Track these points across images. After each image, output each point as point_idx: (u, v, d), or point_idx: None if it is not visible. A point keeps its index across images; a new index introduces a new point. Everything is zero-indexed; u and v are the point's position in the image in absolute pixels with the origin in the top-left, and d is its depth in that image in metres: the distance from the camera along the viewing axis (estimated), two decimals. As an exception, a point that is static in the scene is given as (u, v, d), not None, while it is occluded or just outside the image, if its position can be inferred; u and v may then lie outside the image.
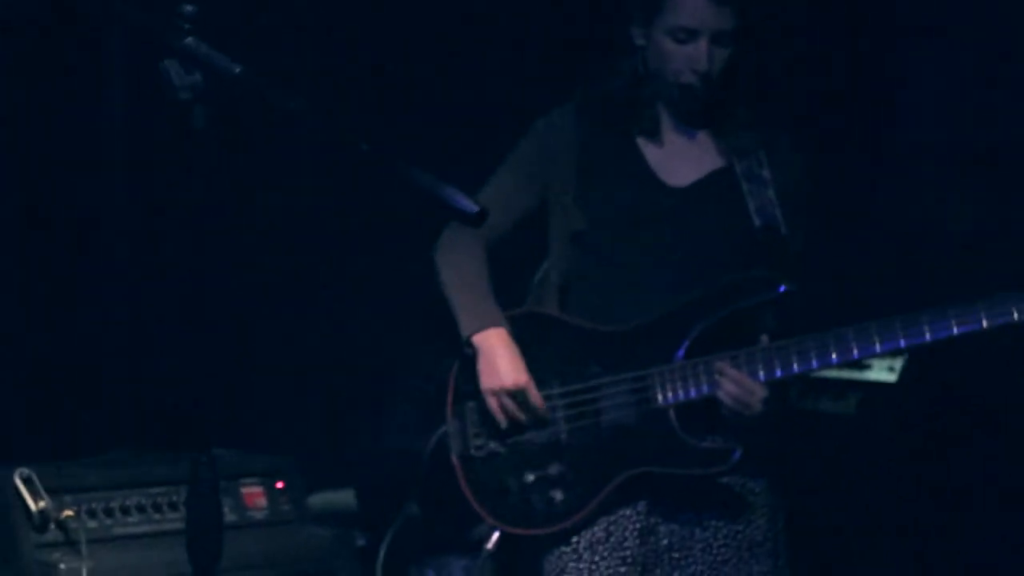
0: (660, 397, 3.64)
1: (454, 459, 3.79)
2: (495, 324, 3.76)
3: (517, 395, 3.71)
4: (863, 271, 4.83)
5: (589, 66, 3.86)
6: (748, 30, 3.68)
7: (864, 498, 4.73)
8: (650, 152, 3.78)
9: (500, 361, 3.73)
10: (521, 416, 3.71)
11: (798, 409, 4.59)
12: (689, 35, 3.66)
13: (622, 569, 3.66)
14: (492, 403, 3.73)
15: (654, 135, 3.79)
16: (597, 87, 3.83)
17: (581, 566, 3.68)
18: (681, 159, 3.77)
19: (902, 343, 3.50)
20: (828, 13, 5.13)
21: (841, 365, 3.61)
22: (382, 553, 3.99)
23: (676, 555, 3.68)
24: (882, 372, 4.69)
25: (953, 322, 3.44)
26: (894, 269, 4.91)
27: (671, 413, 3.63)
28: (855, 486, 4.74)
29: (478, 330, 3.77)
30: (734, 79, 3.73)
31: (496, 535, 3.77)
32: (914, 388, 4.64)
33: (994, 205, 4.92)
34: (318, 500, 4.51)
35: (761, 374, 3.55)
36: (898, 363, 4.68)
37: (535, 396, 3.71)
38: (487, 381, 3.73)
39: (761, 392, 3.54)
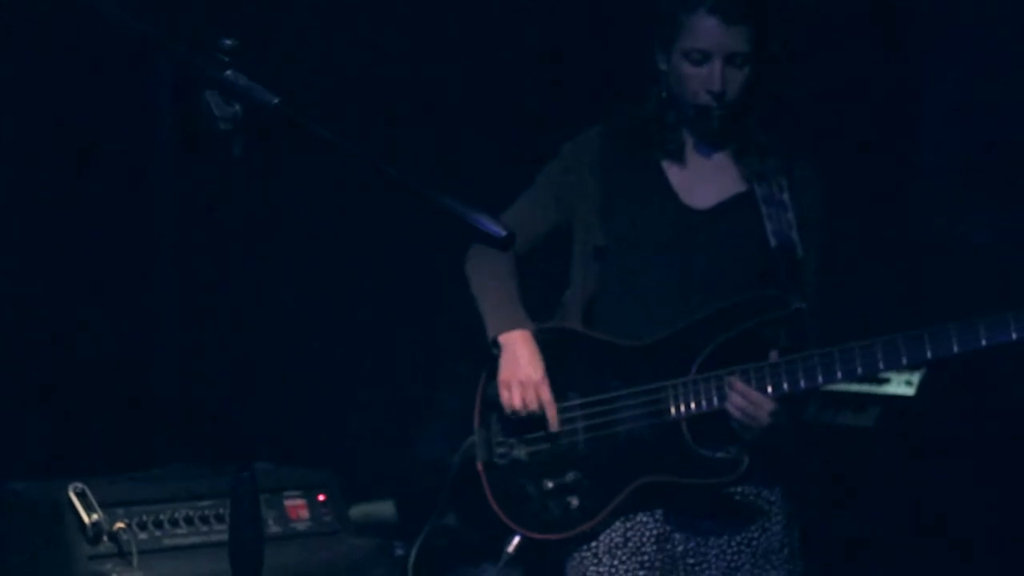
0: (673, 409, 3.65)
1: (479, 466, 3.82)
2: (520, 326, 3.79)
3: (530, 390, 3.72)
4: (882, 283, 4.81)
5: (618, 91, 3.87)
6: (764, 53, 3.68)
7: (883, 509, 4.71)
8: (674, 174, 3.78)
9: (520, 357, 3.75)
10: (533, 408, 3.72)
11: (819, 422, 4.58)
12: (704, 57, 3.67)
13: (640, 573, 3.67)
14: (505, 395, 3.75)
15: (678, 158, 3.79)
16: (624, 111, 3.84)
17: (601, 569, 3.68)
18: (704, 182, 3.78)
19: (904, 360, 3.50)
20: (851, 35, 5.12)
21: (847, 380, 3.61)
22: (412, 558, 3.98)
23: (691, 561, 3.68)
24: (900, 386, 4.68)
25: (953, 340, 3.44)
26: (913, 281, 4.90)
27: (683, 425, 3.64)
28: (874, 497, 4.72)
29: (503, 331, 3.79)
30: (753, 102, 3.73)
31: (516, 539, 3.78)
32: (933, 401, 4.62)
33: (1010, 219, 4.91)
34: (359, 512, 4.51)
35: (769, 388, 3.56)
36: (916, 377, 4.67)
37: (546, 394, 3.72)
38: (504, 373, 3.75)
39: (769, 406, 3.55)
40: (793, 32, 3.84)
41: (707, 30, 3.66)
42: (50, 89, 4.58)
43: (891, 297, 4.79)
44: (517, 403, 3.72)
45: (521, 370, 3.73)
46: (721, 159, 3.80)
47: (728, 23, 3.64)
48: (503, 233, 2.46)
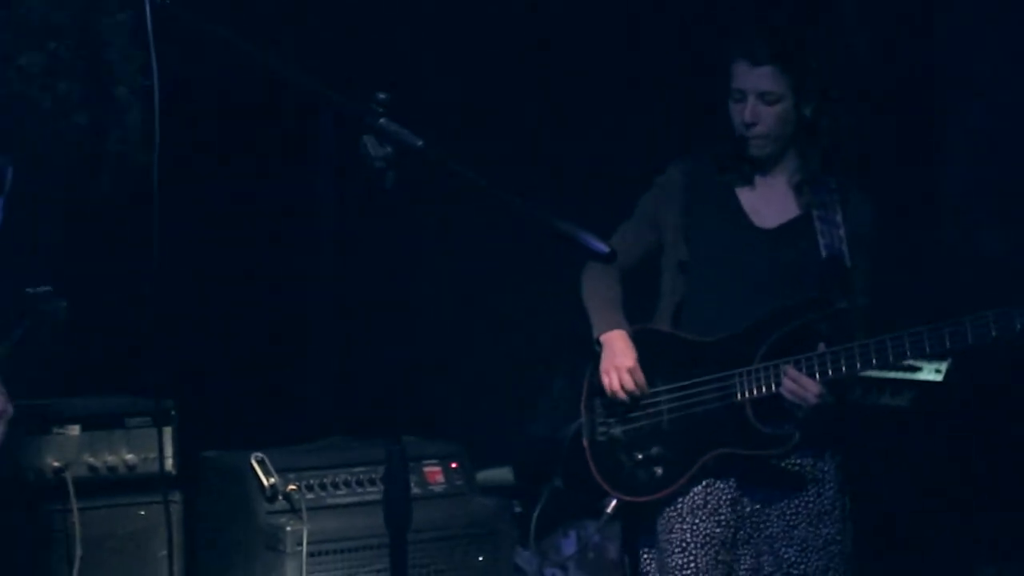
0: (739, 394, 3.63)
1: (584, 442, 3.81)
2: (618, 327, 3.78)
3: (625, 374, 3.71)
4: (909, 286, 4.75)
5: (704, 129, 3.85)
6: (800, 91, 3.64)
7: (918, 475, 4.65)
8: (745, 198, 3.75)
9: (617, 349, 3.74)
10: (630, 389, 3.71)
11: (863, 403, 4.53)
12: (741, 95, 3.65)
13: (717, 530, 3.64)
14: (605, 380, 3.73)
15: (749, 186, 3.77)
16: (704, 147, 3.83)
17: (684, 526, 3.66)
18: (770, 205, 3.75)
19: (928, 350, 3.46)
20: (879, 73, 5.06)
21: (881, 368, 3.58)
22: (535, 517, 3.98)
23: (757, 519, 3.65)
24: (931, 373, 4.62)
25: (968, 333, 3.39)
26: (934, 284, 4.84)
27: (747, 406, 3.62)
28: (910, 466, 4.66)
29: (604, 332, 3.78)
30: (809, 137, 3.70)
31: (614, 502, 3.77)
32: (957, 386, 4.56)
33: (1018, 232, 4.84)
34: (484, 476, 4.51)
35: (817, 375, 3.53)
36: (944, 366, 4.61)
37: (639, 375, 3.71)
38: (605, 362, 3.74)
39: (816, 389, 3.52)
40: (831, 73, 3.77)
41: (741, 72, 3.65)
42: (230, 135, 4.62)
43: (916, 298, 4.72)
44: (616, 385, 3.72)
45: (618, 358, 3.73)
46: (785, 187, 3.76)
47: (755, 64, 3.62)
48: (607, 250, 2.47)
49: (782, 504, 3.65)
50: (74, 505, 3.75)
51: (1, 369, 3.01)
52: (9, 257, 4.12)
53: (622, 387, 3.71)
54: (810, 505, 3.65)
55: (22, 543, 3.64)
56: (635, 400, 3.74)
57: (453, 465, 4.28)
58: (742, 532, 3.65)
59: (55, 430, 3.80)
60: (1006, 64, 4.92)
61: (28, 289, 3.38)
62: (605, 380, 3.73)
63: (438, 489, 4.21)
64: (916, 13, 5.20)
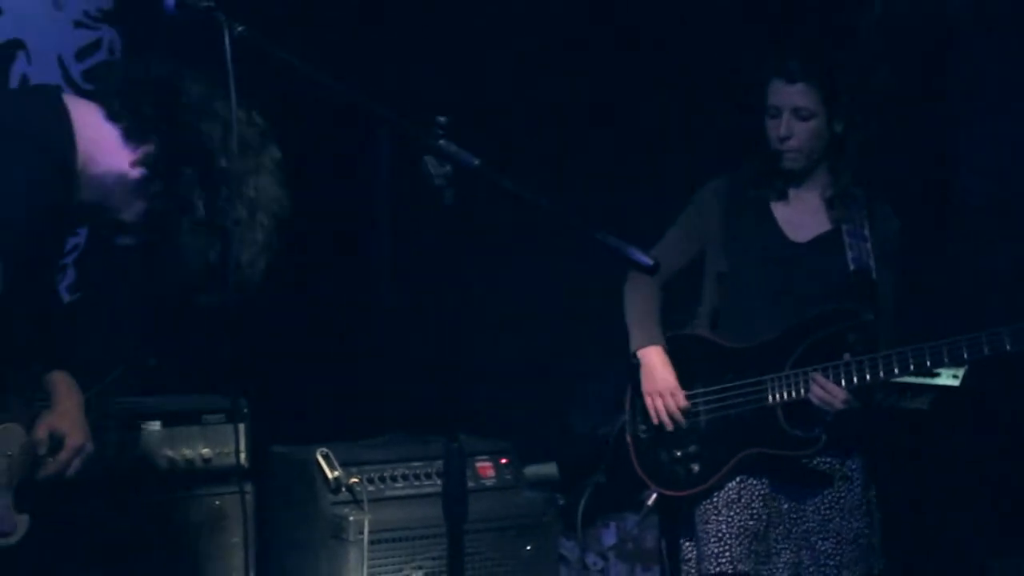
0: (771, 397, 3.62)
1: (628, 439, 3.80)
2: (654, 343, 3.77)
3: (666, 396, 3.71)
4: (927, 301, 4.71)
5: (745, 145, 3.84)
6: (833, 107, 3.62)
7: (937, 472, 4.62)
8: (779, 213, 3.74)
9: (655, 371, 3.74)
10: (671, 410, 3.71)
11: (886, 406, 4.50)
12: (776, 111, 3.65)
13: (750, 522, 3.63)
14: (648, 402, 3.74)
15: (783, 199, 3.75)
16: (742, 164, 3.81)
17: (720, 518, 3.65)
18: (803, 219, 3.73)
19: (946, 360, 3.46)
20: (893, 89, 5.01)
21: (902, 376, 3.56)
22: (581, 509, 3.98)
23: (793, 515, 3.65)
24: (948, 379, 4.58)
25: (984, 345, 3.39)
26: (951, 300, 4.79)
27: (778, 409, 3.60)
28: (930, 463, 4.63)
29: (641, 346, 3.79)
30: (835, 151, 3.68)
31: (654, 495, 3.78)
32: (973, 391, 4.52)
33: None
34: (531, 471, 4.51)
35: (843, 382, 3.51)
36: (960, 372, 4.57)
37: (680, 396, 3.71)
38: (646, 385, 3.76)
39: (842, 395, 3.51)
40: (860, 91, 3.75)
41: (776, 90, 3.65)
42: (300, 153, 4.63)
43: (934, 313, 4.68)
44: (660, 409, 3.72)
45: (658, 383, 3.73)
46: (817, 201, 3.75)
47: (789, 82, 3.62)
48: (651, 263, 2.46)
49: (816, 500, 3.64)
50: (155, 496, 3.78)
51: (89, 410, 3.02)
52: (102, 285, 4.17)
53: (666, 410, 3.71)
54: (842, 500, 3.64)
55: (108, 530, 3.66)
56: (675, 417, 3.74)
57: (503, 461, 4.27)
58: (781, 528, 3.64)
59: (139, 426, 3.82)
60: (1017, 80, 4.88)
61: (136, 341, 3.42)
62: (648, 402, 3.73)
63: (489, 483, 4.20)
64: (929, 30, 5.16)
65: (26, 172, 2.50)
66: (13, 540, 2.80)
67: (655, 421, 3.73)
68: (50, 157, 2.56)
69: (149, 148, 2.62)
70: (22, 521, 2.85)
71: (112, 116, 2.64)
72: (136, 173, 2.62)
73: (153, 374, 3.46)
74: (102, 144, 2.62)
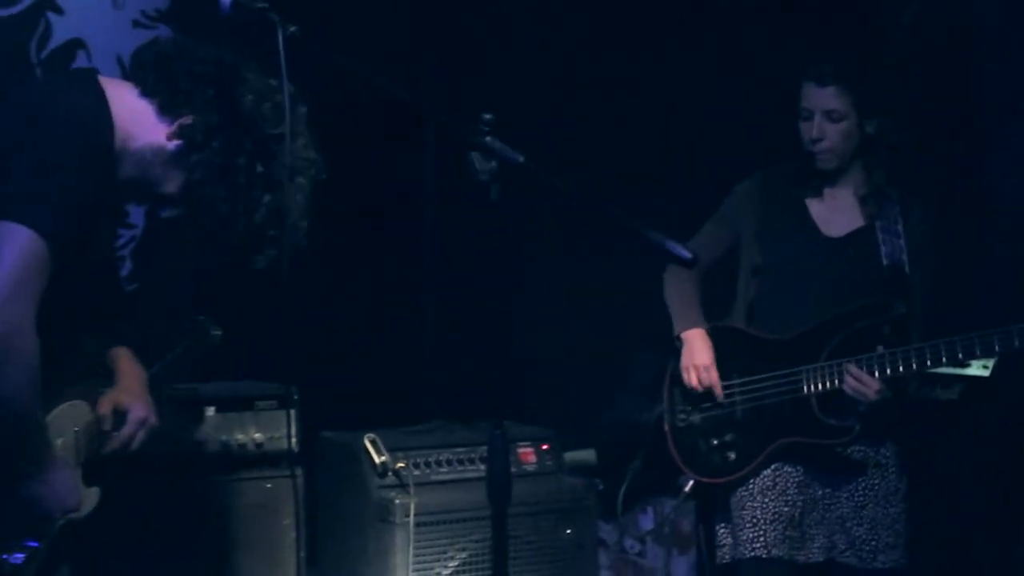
0: (806, 388, 3.61)
1: (666, 427, 3.80)
2: (697, 326, 3.78)
3: (703, 372, 3.70)
4: (960, 296, 4.67)
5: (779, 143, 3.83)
6: (863, 109, 3.59)
7: (968, 459, 4.59)
8: (814, 209, 3.73)
9: (696, 347, 3.75)
10: (706, 385, 3.71)
11: (918, 396, 4.47)
12: (808, 114, 3.64)
13: (785, 508, 3.62)
14: (685, 376, 3.75)
15: (818, 196, 3.73)
16: (780, 161, 3.79)
17: (755, 504, 3.65)
18: (837, 216, 3.72)
19: (977, 352, 3.46)
20: (926, 87, 4.97)
21: (934, 368, 3.53)
22: (622, 493, 3.97)
23: (828, 502, 3.64)
24: (979, 369, 4.53)
25: (1015, 338, 3.39)
26: (984, 295, 4.74)
27: (813, 399, 3.59)
28: (961, 451, 4.60)
29: (684, 329, 3.79)
30: (871, 153, 3.66)
31: (691, 482, 3.77)
32: (1002, 380, 4.48)
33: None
34: (571, 457, 4.50)
35: (876, 373, 3.50)
36: (991, 363, 4.53)
37: (714, 374, 3.71)
38: (685, 360, 3.76)
39: (875, 385, 3.49)
40: (894, 95, 3.72)
41: (808, 93, 3.64)
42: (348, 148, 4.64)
43: (965, 306, 4.64)
44: (694, 382, 3.72)
45: (696, 357, 3.72)
46: (851, 198, 3.73)
47: (820, 85, 3.61)
48: (689, 256, 2.46)
49: (850, 487, 3.62)
50: (210, 478, 3.81)
51: (153, 385, 3.04)
52: (159, 271, 4.19)
53: (700, 383, 3.71)
54: (876, 487, 3.62)
55: (165, 509, 3.69)
56: (711, 394, 3.72)
57: (544, 447, 4.26)
58: (815, 514, 3.63)
59: (194, 411, 3.84)
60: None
61: (198, 317, 3.43)
62: (685, 376, 3.73)
63: (530, 468, 4.19)
64: (959, 31, 5.11)
65: (70, 155, 2.53)
66: (83, 513, 2.82)
67: (695, 387, 3.70)
68: (91, 138, 2.59)
69: (185, 120, 2.64)
70: (92, 494, 2.87)
71: (147, 92, 2.67)
72: (173, 145, 2.66)
73: (217, 351, 3.45)
74: (139, 120, 2.66)
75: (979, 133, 5.09)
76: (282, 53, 2.47)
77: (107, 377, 3.00)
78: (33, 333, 2.51)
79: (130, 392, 2.97)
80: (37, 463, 2.65)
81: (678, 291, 3.82)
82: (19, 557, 2.60)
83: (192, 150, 2.65)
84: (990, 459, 4.59)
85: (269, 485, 3.88)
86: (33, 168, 2.51)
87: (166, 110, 2.66)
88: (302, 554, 3.81)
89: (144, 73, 2.70)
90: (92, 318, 2.89)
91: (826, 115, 3.61)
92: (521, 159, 2.45)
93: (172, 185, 2.70)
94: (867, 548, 3.60)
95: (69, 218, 2.54)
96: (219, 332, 3.45)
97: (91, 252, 2.76)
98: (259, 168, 2.65)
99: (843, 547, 3.61)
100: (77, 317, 2.79)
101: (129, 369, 3.01)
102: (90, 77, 2.73)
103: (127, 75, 2.79)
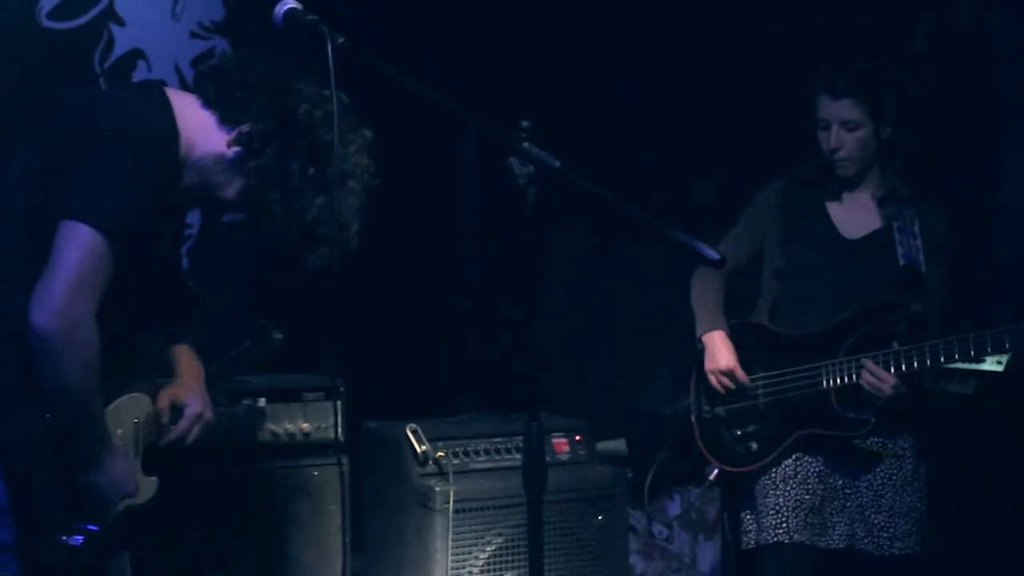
0: (825, 382, 3.60)
1: (692, 419, 3.80)
2: (718, 328, 3.76)
3: (727, 374, 3.70)
4: (973, 294, 4.65)
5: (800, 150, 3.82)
6: (879, 118, 3.58)
7: (982, 453, 4.56)
8: (833, 212, 3.72)
9: (718, 351, 3.73)
10: (731, 388, 3.71)
11: (934, 390, 4.46)
12: (825, 124, 3.63)
13: (806, 496, 3.62)
14: (711, 379, 3.74)
15: (837, 200, 3.72)
16: (801, 166, 3.79)
17: (777, 491, 3.65)
18: (855, 219, 3.71)
19: (990, 348, 3.43)
20: (940, 87, 4.94)
21: (948, 364, 3.52)
22: (648, 483, 3.98)
23: (848, 491, 3.63)
24: (993, 365, 4.51)
25: (1006, 339, 3.38)
26: (998, 293, 4.72)
27: (832, 393, 3.58)
28: (975, 444, 4.57)
29: (706, 332, 3.78)
30: (888, 158, 3.65)
31: (716, 471, 3.77)
32: (1016, 376, 4.46)
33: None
34: (602, 447, 4.51)
35: (892, 369, 3.49)
36: (1004, 359, 4.50)
37: (741, 375, 3.71)
38: (709, 365, 3.75)
39: (891, 381, 3.48)
40: (908, 102, 3.71)
41: (824, 104, 3.62)
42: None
43: (979, 305, 4.62)
44: (718, 386, 3.72)
45: (719, 361, 3.72)
46: (869, 201, 3.72)
47: (836, 97, 3.59)
48: (717, 256, 2.47)
49: (869, 476, 3.62)
50: (260, 465, 3.84)
51: (211, 383, 3.08)
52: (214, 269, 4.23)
53: (722, 386, 3.71)
54: (894, 476, 3.62)
55: (217, 495, 3.72)
56: (735, 391, 3.73)
57: (577, 437, 4.26)
58: (836, 502, 3.62)
59: (244, 402, 3.87)
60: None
61: (261, 320, 3.47)
62: (711, 380, 3.74)
63: (564, 458, 4.19)
64: (977, 39, 5.09)
65: (135, 160, 2.56)
66: (141, 500, 2.85)
67: (721, 392, 3.71)
68: (157, 146, 2.63)
69: (243, 128, 2.68)
70: (151, 483, 2.91)
71: (209, 103, 2.71)
72: (232, 152, 2.69)
73: (278, 351, 3.49)
74: (202, 130, 2.70)
75: (995, 134, 5.07)
76: (331, 62, 2.50)
77: (169, 372, 3.03)
78: (94, 328, 2.55)
79: (188, 388, 2.99)
80: (96, 451, 2.68)
81: (703, 293, 3.82)
82: (78, 539, 2.63)
83: (250, 156, 2.69)
84: (1003, 453, 4.57)
85: (316, 472, 3.91)
86: (99, 171, 2.55)
87: (226, 120, 2.71)
88: (347, 538, 3.83)
89: (206, 85, 2.74)
90: (157, 316, 2.93)
91: (843, 125, 3.61)
92: (557, 164, 2.46)
93: (231, 190, 2.74)
94: (884, 535, 3.59)
95: (132, 219, 2.57)
96: (280, 336, 3.48)
97: (156, 253, 2.80)
98: (311, 172, 2.68)
99: (862, 535, 3.60)
100: (142, 314, 2.82)
101: (189, 365, 3.03)
102: (158, 88, 2.78)
103: (186, 85, 2.83)
